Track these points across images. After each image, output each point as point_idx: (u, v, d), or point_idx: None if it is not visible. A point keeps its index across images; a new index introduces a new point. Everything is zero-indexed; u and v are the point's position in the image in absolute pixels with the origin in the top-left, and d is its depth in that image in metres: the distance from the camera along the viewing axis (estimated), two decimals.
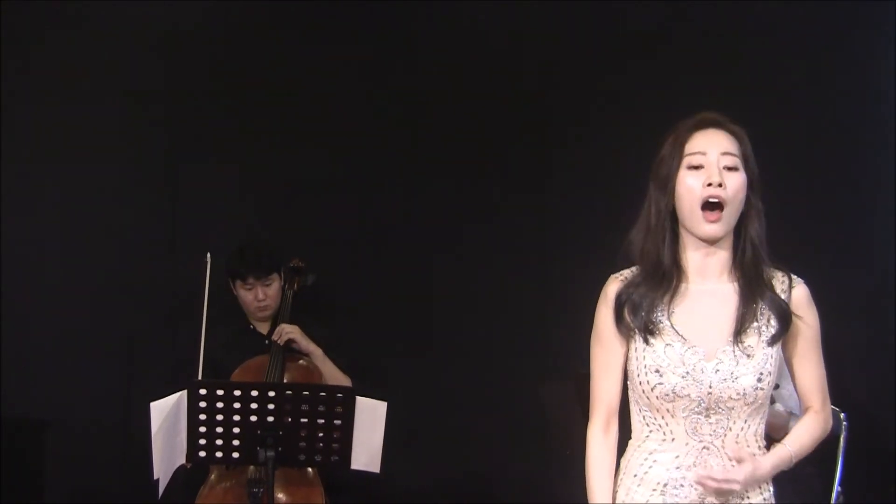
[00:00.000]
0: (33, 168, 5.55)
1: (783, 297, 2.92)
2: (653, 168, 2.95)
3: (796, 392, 3.02)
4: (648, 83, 5.56)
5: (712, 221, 2.85)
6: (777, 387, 4.85)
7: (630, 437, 3.00)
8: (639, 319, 2.88)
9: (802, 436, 3.04)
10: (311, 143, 5.66)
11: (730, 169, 2.88)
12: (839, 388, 5.37)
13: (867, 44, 5.65)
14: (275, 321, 5.07)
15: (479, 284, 5.61)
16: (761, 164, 5.65)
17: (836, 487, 5.02)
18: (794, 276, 2.97)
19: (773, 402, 4.83)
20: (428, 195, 5.67)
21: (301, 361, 4.96)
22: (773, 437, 4.95)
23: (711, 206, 2.85)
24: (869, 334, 5.55)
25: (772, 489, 2.97)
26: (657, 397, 2.87)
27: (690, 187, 2.86)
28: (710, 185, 2.84)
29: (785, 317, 2.90)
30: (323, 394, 4.24)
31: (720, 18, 5.63)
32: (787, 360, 2.98)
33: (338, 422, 4.19)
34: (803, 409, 3.06)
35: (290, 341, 4.97)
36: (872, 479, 5.41)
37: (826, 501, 5.01)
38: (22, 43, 5.53)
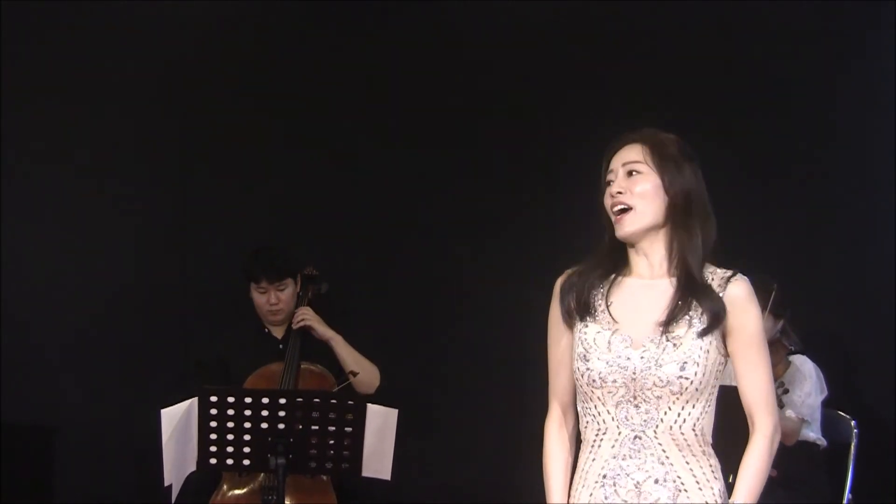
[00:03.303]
0: (39, 171, 5.55)
1: (719, 292, 2.96)
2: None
3: (743, 402, 3.00)
4: (649, 84, 5.57)
5: (618, 223, 3.00)
6: (787, 391, 4.85)
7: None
8: (579, 302, 3.00)
9: (751, 481, 2.95)
10: (325, 152, 5.68)
11: (631, 173, 3.01)
12: (849, 393, 5.40)
13: (867, 44, 5.65)
14: (290, 325, 5.09)
15: (492, 291, 5.61)
16: (761, 164, 5.67)
17: (847, 495, 5.03)
18: (737, 274, 3.01)
19: (782, 406, 4.83)
20: (442, 203, 5.69)
21: (315, 369, 4.96)
22: (784, 443, 4.97)
23: (620, 212, 3.01)
24: (884, 338, 5.55)
25: (714, 488, 2.96)
26: (586, 383, 2.96)
27: (606, 203, 3.04)
28: (611, 195, 3.01)
29: (717, 311, 2.94)
30: (334, 401, 4.23)
31: (722, 19, 5.64)
32: (732, 362, 3.00)
33: (349, 429, 4.18)
34: (750, 428, 3.00)
35: (307, 328, 5.01)
36: (884, 484, 5.41)
37: None
38: (25, 43, 5.53)
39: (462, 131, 5.70)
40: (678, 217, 2.99)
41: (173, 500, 4.29)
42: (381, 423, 4.39)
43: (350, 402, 4.23)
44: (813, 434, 5.06)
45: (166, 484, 4.23)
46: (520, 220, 5.65)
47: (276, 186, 5.68)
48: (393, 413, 4.45)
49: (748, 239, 5.26)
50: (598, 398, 2.95)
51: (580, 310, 2.99)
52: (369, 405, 4.28)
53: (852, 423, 5.16)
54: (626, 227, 2.98)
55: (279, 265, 5.04)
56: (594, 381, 2.93)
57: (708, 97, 5.59)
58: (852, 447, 5.11)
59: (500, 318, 5.56)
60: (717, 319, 2.93)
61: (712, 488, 2.94)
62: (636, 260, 3.03)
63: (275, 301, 5.05)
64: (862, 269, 5.62)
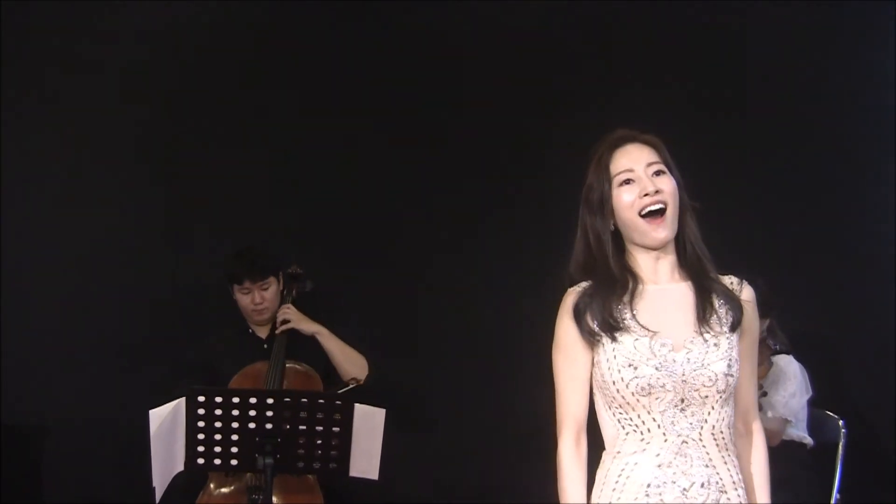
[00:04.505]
0: (33, 173, 5.56)
1: (735, 291, 3.02)
2: (583, 196, 3.05)
3: (735, 401, 3.02)
4: (647, 84, 5.57)
5: (656, 225, 2.96)
6: (765, 394, 4.85)
7: (604, 450, 3.03)
8: (603, 321, 2.94)
9: (768, 480, 3.07)
10: (311, 147, 5.67)
11: (659, 173, 2.99)
12: (838, 393, 5.40)
13: (867, 44, 5.65)
14: (274, 325, 5.08)
15: (478, 290, 5.61)
16: (760, 164, 5.67)
17: (835, 495, 5.03)
18: (740, 279, 3.06)
19: (761, 409, 4.83)
20: (427, 200, 5.68)
21: (300, 368, 4.96)
22: (768, 444, 4.96)
23: (652, 214, 2.96)
24: (871, 337, 5.55)
25: (744, 487, 2.99)
26: (633, 393, 2.91)
27: (627, 202, 2.97)
28: (646, 195, 2.95)
29: (739, 305, 2.98)
30: (322, 401, 4.23)
31: (719, 19, 5.64)
32: None
33: (336, 429, 4.18)
34: (740, 430, 3.06)
35: (291, 331, 5.01)
36: (871, 482, 5.41)
37: None
38: (21, 43, 5.54)
39: (448, 129, 5.70)
40: (685, 218, 3.01)
41: (157, 500, 4.29)
42: (368, 423, 4.39)
43: (338, 402, 4.23)
44: (799, 433, 5.06)
45: (154, 484, 4.23)
46: (511, 218, 5.64)
47: (263, 186, 5.68)
48: (380, 413, 4.46)
49: (736, 237, 5.26)
50: (643, 406, 2.91)
51: (606, 327, 2.93)
52: (357, 405, 4.28)
53: (840, 422, 5.16)
54: (666, 230, 2.96)
55: (261, 264, 5.04)
56: (643, 388, 2.89)
57: (700, 96, 5.59)
58: (840, 446, 5.11)
59: (491, 315, 5.57)
60: (740, 314, 2.96)
61: (743, 487, 2.97)
62: (651, 266, 3.00)
63: (259, 300, 5.04)
64: (852, 268, 5.62)
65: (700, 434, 2.91)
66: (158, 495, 4.28)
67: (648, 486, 2.91)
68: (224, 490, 4.79)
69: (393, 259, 5.66)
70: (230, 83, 5.66)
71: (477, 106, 5.69)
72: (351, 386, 4.87)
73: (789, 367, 5.08)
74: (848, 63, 5.66)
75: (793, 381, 5.05)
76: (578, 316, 2.96)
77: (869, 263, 5.60)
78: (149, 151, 5.65)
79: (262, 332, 5.13)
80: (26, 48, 5.55)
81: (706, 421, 2.92)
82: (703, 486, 2.90)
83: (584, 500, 2.97)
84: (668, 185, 2.97)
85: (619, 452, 2.96)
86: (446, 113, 5.69)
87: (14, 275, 5.48)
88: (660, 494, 2.90)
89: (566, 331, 2.99)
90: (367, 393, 4.82)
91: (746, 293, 3.02)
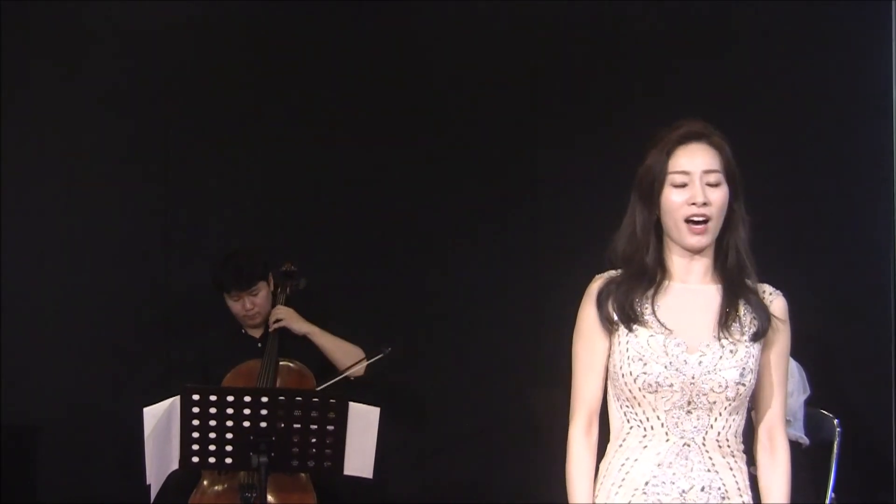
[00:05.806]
0: (30, 175, 5.56)
1: (766, 302, 2.98)
2: (637, 176, 3.01)
3: (760, 417, 3.01)
4: (643, 84, 5.56)
5: (697, 233, 2.93)
6: None
7: (609, 441, 3.02)
8: (622, 310, 2.93)
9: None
10: (304, 146, 5.66)
11: (713, 185, 2.95)
12: (833, 392, 5.40)
13: (867, 44, 5.63)
14: (268, 325, 5.07)
15: (471, 290, 5.61)
16: (759, 165, 5.65)
17: (830, 494, 5.02)
18: (775, 290, 3.03)
19: None
20: (421, 200, 5.67)
21: (293, 366, 4.95)
22: None
23: (696, 221, 2.93)
24: (866, 336, 5.55)
25: (750, 494, 2.97)
26: (640, 388, 2.90)
27: (675, 204, 2.94)
28: (693, 204, 2.92)
29: (766, 316, 2.95)
30: (316, 399, 4.24)
31: (716, 19, 5.63)
32: (759, 375, 2.98)
33: (331, 427, 4.19)
34: (764, 444, 3.02)
35: (283, 329, 5.00)
36: (866, 482, 5.41)
37: None
38: (20, 44, 5.54)
39: (448, 129, 5.69)
40: (732, 226, 2.98)
41: (152, 499, 4.29)
42: (362, 422, 4.40)
43: (332, 401, 4.24)
44: (796, 433, 5.06)
45: (147, 482, 4.23)
46: (505, 221, 5.63)
47: (256, 185, 5.67)
48: (375, 411, 4.47)
49: None
50: (649, 403, 2.90)
51: (623, 316, 2.93)
52: (351, 404, 4.29)
53: (835, 421, 5.16)
54: (704, 240, 2.93)
55: (247, 273, 4.98)
56: (650, 385, 2.88)
57: (702, 98, 5.57)
58: (835, 445, 5.10)
59: (486, 315, 5.56)
60: (766, 325, 2.94)
61: (749, 494, 2.95)
62: (685, 265, 2.98)
63: (250, 307, 5.01)
64: (850, 268, 5.61)
65: (704, 439, 2.90)
66: (153, 494, 4.28)
67: (647, 483, 2.90)
68: (217, 488, 4.79)
69: (389, 258, 5.65)
70: (227, 82, 5.65)
71: (479, 105, 5.68)
72: (346, 374, 4.88)
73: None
74: (847, 63, 5.64)
75: (791, 381, 5.04)
76: (600, 301, 2.95)
77: (866, 263, 5.59)
78: (144, 151, 5.64)
79: (257, 333, 5.11)
80: (25, 48, 5.55)
81: (711, 426, 2.90)
82: (703, 489, 2.89)
83: (590, 488, 2.96)
84: (718, 197, 2.93)
85: (621, 446, 2.96)
86: (447, 112, 5.68)
87: (10, 275, 5.48)
88: (657, 494, 2.89)
89: (587, 316, 2.98)
90: (362, 391, 4.82)
91: (777, 306, 2.98)
